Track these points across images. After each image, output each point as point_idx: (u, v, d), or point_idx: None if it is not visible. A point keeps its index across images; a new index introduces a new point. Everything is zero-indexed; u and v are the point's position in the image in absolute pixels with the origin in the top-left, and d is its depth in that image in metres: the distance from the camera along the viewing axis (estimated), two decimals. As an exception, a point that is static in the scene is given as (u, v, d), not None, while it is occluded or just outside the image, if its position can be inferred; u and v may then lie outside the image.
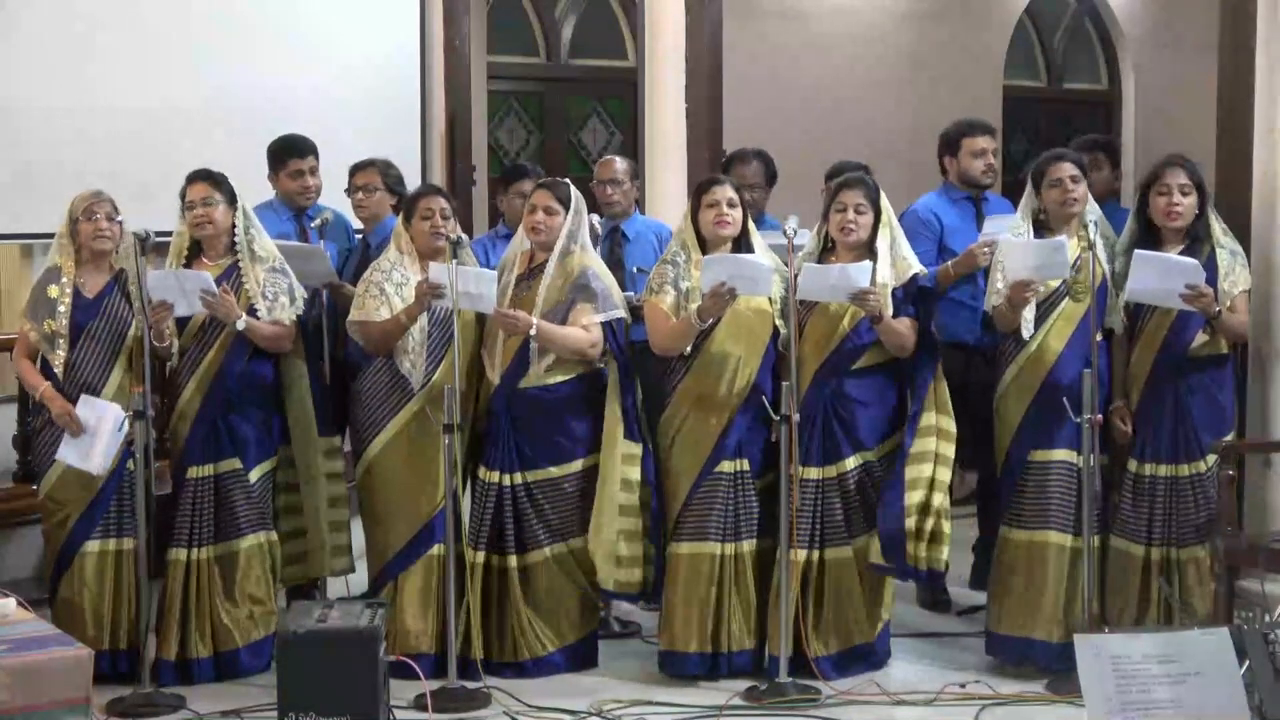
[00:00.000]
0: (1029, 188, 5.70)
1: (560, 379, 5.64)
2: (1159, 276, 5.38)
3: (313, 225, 6.37)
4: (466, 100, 8.66)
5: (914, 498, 5.50)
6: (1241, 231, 5.78)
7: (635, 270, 6.20)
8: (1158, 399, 5.56)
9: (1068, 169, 5.62)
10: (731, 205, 5.58)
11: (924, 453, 5.54)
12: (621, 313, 5.69)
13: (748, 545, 5.61)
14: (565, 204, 5.67)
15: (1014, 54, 11.86)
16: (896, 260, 5.58)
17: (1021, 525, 5.63)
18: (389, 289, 5.67)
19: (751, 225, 5.72)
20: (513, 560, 5.66)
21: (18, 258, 8.09)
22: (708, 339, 5.56)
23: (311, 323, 5.99)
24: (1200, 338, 5.53)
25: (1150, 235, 5.59)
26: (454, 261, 5.43)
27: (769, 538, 5.60)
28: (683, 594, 5.59)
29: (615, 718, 5.29)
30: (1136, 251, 5.45)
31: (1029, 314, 5.54)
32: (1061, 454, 5.54)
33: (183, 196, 5.70)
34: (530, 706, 5.36)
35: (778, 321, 5.58)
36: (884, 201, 5.62)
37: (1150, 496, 5.57)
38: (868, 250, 5.57)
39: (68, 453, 5.47)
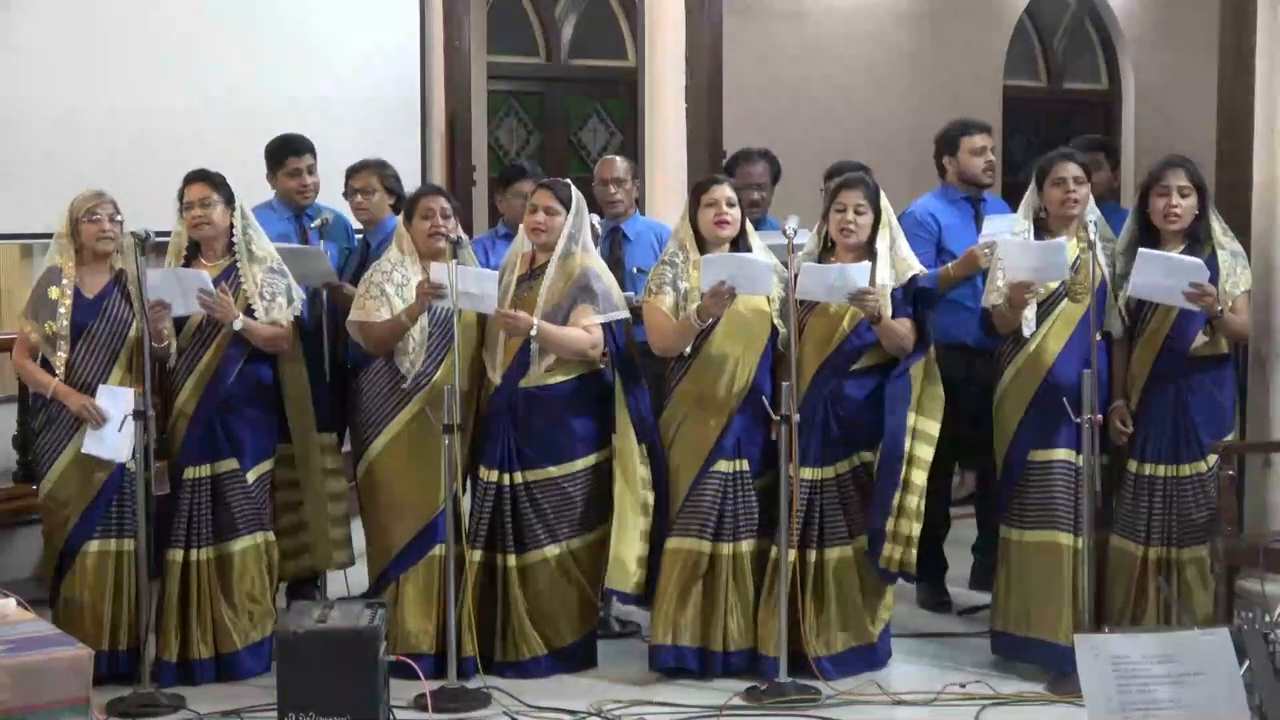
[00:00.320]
0: (1032, 185, 5.70)
1: (561, 379, 5.64)
2: (1163, 275, 5.37)
3: (312, 225, 6.37)
4: (466, 100, 8.66)
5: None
6: (1241, 231, 5.77)
7: (635, 270, 6.21)
8: (1158, 399, 5.56)
9: (1072, 170, 5.62)
10: (730, 205, 5.58)
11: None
12: (623, 313, 5.69)
13: (747, 545, 5.61)
14: (566, 204, 5.67)
15: (1014, 54, 11.86)
16: (896, 261, 5.58)
17: (1021, 525, 5.63)
18: (389, 289, 5.67)
19: (750, 225, 5.73)
20: (512, 560, 5.66)
21: (18, 258, 8.09)
22: (707, 339, 5.56)
23: (311, 322, 5.99)
24: (1200, 338, 5.52)
25: (1150, 236, 5.58)
26: (454, 261, 5.43)
27: (769, 538, 5.60)
28: (672, 590, 5.59)
29: (615, 718, 5.29)
30: (1140, 250, 5.45)
31: (1029, 313, 5.54)
32: (1061, 454, 5.54)
33: (181, 197, 5.70)
34: (530, 706, 5.36)
35: (776, 321, 5.58)
36: (883, 202, 5.62)
37: (1150, 496, 5.57)
38: (867, 251, 5.57)
39: (93, 445, 5.47)
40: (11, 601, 4.34)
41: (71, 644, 4.17)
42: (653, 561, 5.71)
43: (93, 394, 5.49)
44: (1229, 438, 5.63)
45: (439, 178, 8.27)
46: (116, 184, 5.77)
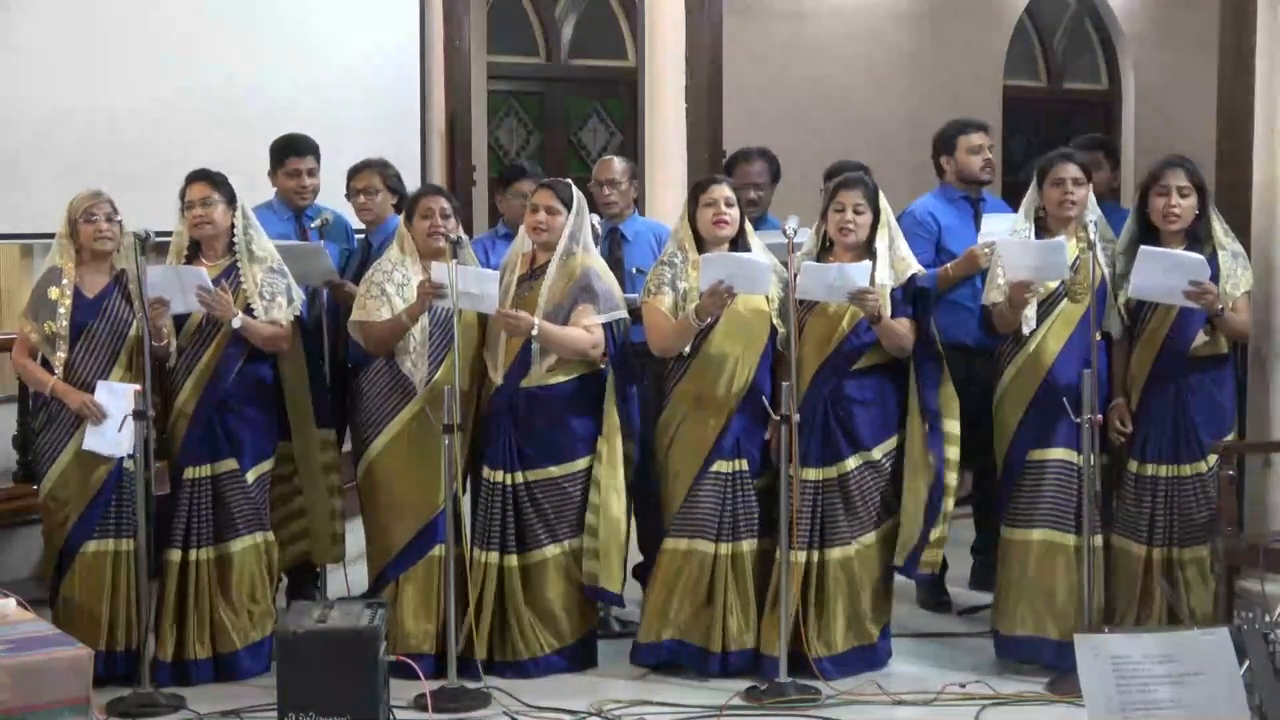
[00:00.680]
0: (1032, 185, 5.71)
1: (562, 379, 5.64)
2: (1163, 273, 5.37)
3: (312, 225, 6.38)
4: (466, 100, 8.65)
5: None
6: (1241, 231, 5.78)
7: (634, 271, 6.20)
8: (1158, 399, 5.56)
9: (1071, 170, 5.62)
10: (729, 205, 5.58)
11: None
12: (623, 313, 5.69)
13: (747, 545, 5.61)
14: (567, 204, 5.67)
15: (1014, 54, 11.86)
16: (895, 260, 5.58)
17: (1021, 525, 5.63)
18: (390, 289, 5.67)
19: (749, 225, 5.73)
20: (513, 560, 5.66)
21: (18, 258, 8.09)
22: (706, 339, 5.56)
23: (311, 322, 5.99)
24: (1201, 337, 5.53)
25: (1150, 236, 5.58)
26: (454, 261, 5.43)
27: (769, 538, 5.60)
28: (663, 589, 5.60)
29: (615, 718, 5.29)
30: (1142, 248, 5.44)
31: (1030, 312, 5.54)
32: (1060, 453, 5.54)
33: (182, 196, 5.70)
34: (530, 706, 5.36)
35: (775, 321, 5.58)
36: (883, 201, 5.62)
37: (1151, 496, 5.57)
38: (866, 250, 5.57)
39: (94, 442, 5.47)
40: (11, 601, 4.34)
41: (71, 644, 4.17)
42: (647, 562, 5.72)
43: (92, 392, 5.49)
44: (1229, 438, 5.63)
45: (439, 178, 8.26)
46: (117, 184, 5.77)
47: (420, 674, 5.18)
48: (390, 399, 5.69)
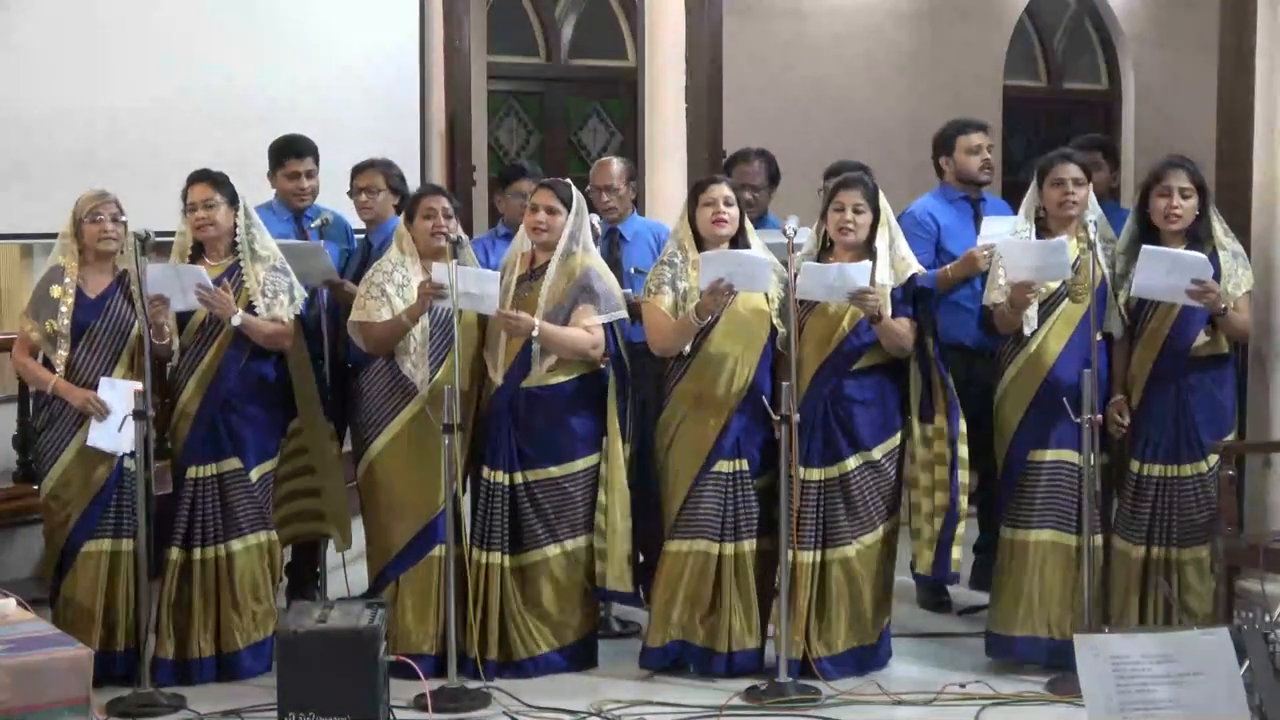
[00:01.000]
0: (1033, 185, 5.71)
1: (562, 379, 5.64)
2: (1165, 272, 5.37)
3: (312, 226, 6.37)
4: (466, 100, 8.65)
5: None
6: (1241, 231, 5.78)
7: (633, 271, 6.20)
8: (1159, 399, 5.56)
9: (1072, 171, 5.62)
10: (729, 204, 5.58)
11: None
12: (623, 313, 5.69)
13: (748, 545, 5.61)
14: (567, 204, 5.67)
15: (1014, 54, 11.85)
16: (895, 260, 5.58)
17: (1022, 525, 5.63)
18: (390, 290, 5.67)
19: (749, 225, 5.73)
20: (513, 560, 5.66)
21: (18, 258, 8.08)
22: (706, 339, 5.56)
23: (311, 321, 5.99)
24: (1201, 337, 5.53)
25: (1150, 236, 5.58)
26: (454, 261, 5.43)
27: (770, 537, 5.60)
28: (669, 592, 5.60)
29: (615, 718, 5.29)
30: (1144, 247, 5.44)
31: (1031, 312, 5.54)
32: (1061, 454, 5.54)
33: (184, 197, 5.71)
34: (530, 706, 5.36)
35: (775, 321, 5.58)
36: (882, 201, 5.62)
37: (1151, 497, 5.57)
38: (866, 250, 5.57)
39: (98, 439, 5.47)
40: (11, 601, 4.35)
41: (71, 644, 4.17)
42: (647, 562, 5.72)
43: (94, 389, 5.49)
44: (1229, 437, 5.63)
45: (439, 178, 8.26)
46: (117, 184, 5.77)
47: (420, 674, 5.19)
48: (390, 399, 5.69)
